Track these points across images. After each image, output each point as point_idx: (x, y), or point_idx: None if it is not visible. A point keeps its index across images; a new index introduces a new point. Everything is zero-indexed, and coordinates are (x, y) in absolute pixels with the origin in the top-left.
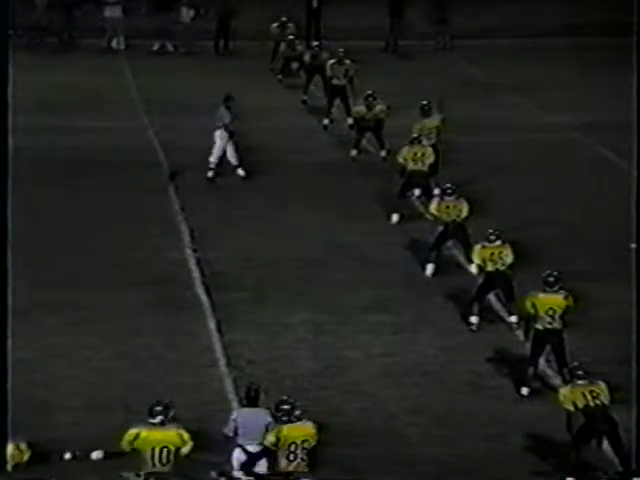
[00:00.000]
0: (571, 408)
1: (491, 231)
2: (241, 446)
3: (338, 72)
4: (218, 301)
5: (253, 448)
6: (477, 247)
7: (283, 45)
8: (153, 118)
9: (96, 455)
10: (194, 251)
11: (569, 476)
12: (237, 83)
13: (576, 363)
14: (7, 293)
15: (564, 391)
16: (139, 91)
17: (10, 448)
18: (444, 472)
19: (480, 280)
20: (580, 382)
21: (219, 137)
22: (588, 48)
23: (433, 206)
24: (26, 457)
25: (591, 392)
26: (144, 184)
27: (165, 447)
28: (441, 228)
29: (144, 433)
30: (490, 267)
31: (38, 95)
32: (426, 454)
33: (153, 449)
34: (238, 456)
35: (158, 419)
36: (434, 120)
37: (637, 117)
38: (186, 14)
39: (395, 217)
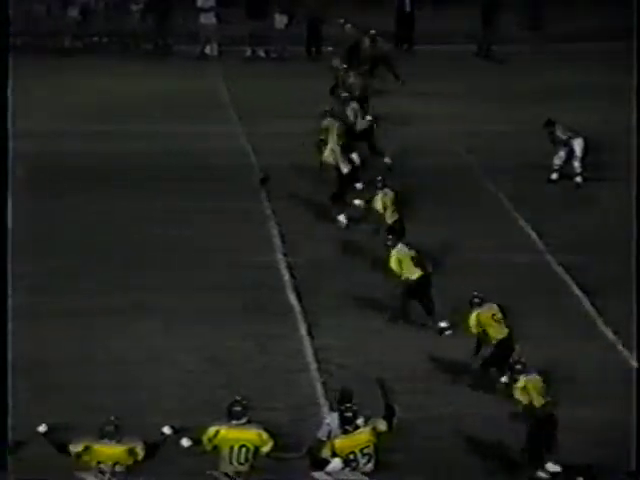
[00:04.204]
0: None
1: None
2: None
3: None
4: (309, 305)
5: None
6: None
7: (366, 41)
8: (245, 123)
9: (186, 442)
10: (285, 255)
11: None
12: (328, 87)
13: (516, 357)
14: (7, 294)
15: (521, 384)
16: (231, 97)
17: (122, 450)
18: None
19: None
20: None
21: (577, 144)
22: None
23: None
24: (141, 457)
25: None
26: (236, 188)
27: (243, 446)
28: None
29: (223, 431)
30: (415, 275)
31: (132, 101)
32: None
33: (232, 447)
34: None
35: (237, 418)
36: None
37: (637, 119)
38: (279, 20)
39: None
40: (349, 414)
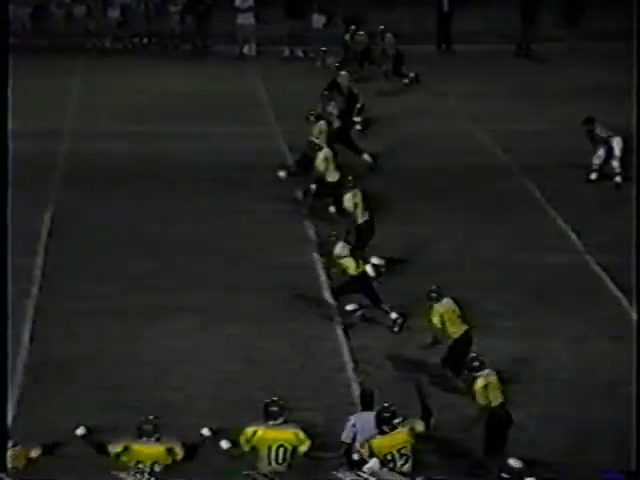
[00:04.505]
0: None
1: None
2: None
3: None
4: (345, 305)
5: None
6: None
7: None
8: (283, 123)
9: (225, 444)
10: (321, 255)
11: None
12: (365, 88)
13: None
14: (7, 294)
15: (481, 382)
16: (269, 97)
17: (161, 450)
18: None
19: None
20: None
21: (616, 143)
22: None
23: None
24: (179, 457)
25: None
26: (274, 189)
27: (281, 446)
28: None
29: (261, 432)
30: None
31: (171, 102)
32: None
33: (269, 447)
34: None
35: (274, 419)
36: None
37: (637, 117)
38: (317, 20)
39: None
40: (387, 414)
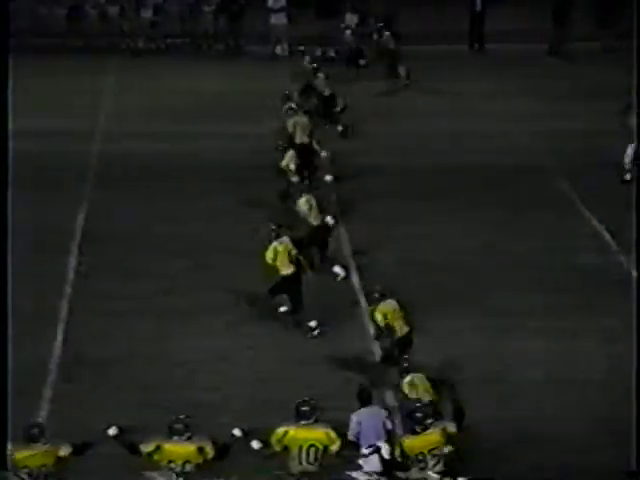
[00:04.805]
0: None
1: None
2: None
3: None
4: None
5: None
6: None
7: (375, 36)
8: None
9: (256, 445)
10: (353, 254)
11: None
12: (390, 88)
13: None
14: (7, 293)
15: (408, 379)
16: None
17: (193, 449)
18: None
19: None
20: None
21: None
22: None
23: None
24: (210, 456)
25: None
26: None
27: (312, 445)
28: None
29: (292, 431)
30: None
31: (203, 101)
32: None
33: (300, 447)
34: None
35: (306, 418)
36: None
37: (637, 116)
38: (350, 19)
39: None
40: (419, 414)
